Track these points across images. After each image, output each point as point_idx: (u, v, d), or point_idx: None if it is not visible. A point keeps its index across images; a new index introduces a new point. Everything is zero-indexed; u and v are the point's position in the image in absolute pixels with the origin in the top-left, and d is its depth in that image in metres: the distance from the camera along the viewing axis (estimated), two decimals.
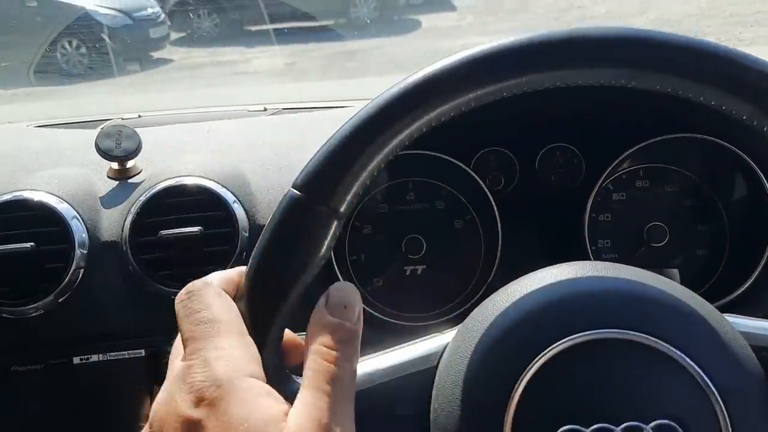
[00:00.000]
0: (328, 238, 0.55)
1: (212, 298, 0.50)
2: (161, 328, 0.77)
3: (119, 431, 0.77)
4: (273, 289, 0.54)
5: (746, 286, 0.79)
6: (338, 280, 0.81)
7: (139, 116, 1.28)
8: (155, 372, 0.76)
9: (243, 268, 0.57)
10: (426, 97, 0.54)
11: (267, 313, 0.54)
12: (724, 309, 0.79)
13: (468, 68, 0.54)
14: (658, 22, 4.98)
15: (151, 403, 0.75)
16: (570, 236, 0.86)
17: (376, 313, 0.80)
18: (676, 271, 0.87)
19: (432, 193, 0.88)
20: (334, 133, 0.55)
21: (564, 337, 0.52)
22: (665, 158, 0.87)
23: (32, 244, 0.74)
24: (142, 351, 0.76)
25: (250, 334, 0.56)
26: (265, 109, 1.27)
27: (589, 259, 0.82)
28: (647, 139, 0.83)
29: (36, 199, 0.77)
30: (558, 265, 0.58)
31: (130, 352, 0.76)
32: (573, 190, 0.87)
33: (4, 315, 0.75)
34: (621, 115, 0.86)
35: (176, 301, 0.50)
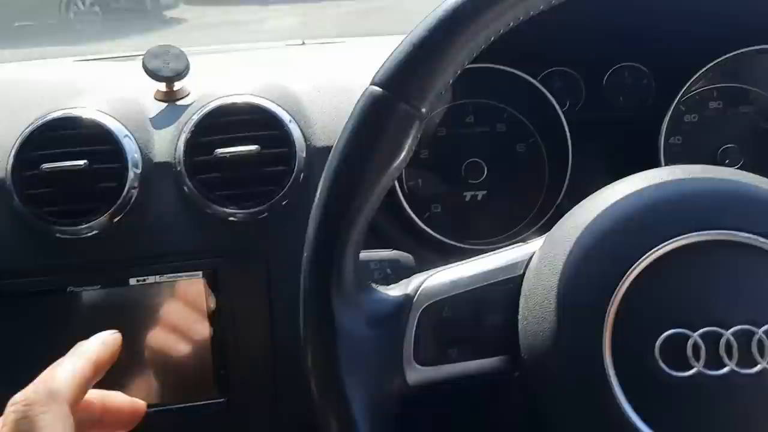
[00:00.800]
0: (410, 138, 0.52)
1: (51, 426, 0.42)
2: (218, 250, 0.75)
3: (176, 354, 0.75)
4: (355, 192, 0.51)
5: None
6: (400, 206, 0.78)
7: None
8: (212, 295, 0.74)
9: (94, 357, 0.52)
10: None
11: (350, 214, 0.51)
12: None
13: None
14: None
15: (209, 325, 0.74)
16: (640, 160, 0.82)
17: (439, 236, 0.78)
18: None
19: (493, 115, 0.85)
20: (417, 25, 0.52)
21: (668, 239, 0.48)
22: (740, 77, 0.83)
23: (86, 162, 0.72)
24: (200, 273, 0.74)
25: (326, 238, 0.53)
26: (304, 43, 1.23)
27: None
28: (719, 56, 0.78)
29: (87, 116, 0.74)
30: (649, 170, 0.54)
31: (187, 274, 0.74)
32: (643, 112, 0.83)
33: (58, 235, 0.72)
34: (691, 30, 0.82)
35: (8, 406, 0.44)
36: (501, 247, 0.77)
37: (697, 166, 0.53)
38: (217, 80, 0.87)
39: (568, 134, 0.79)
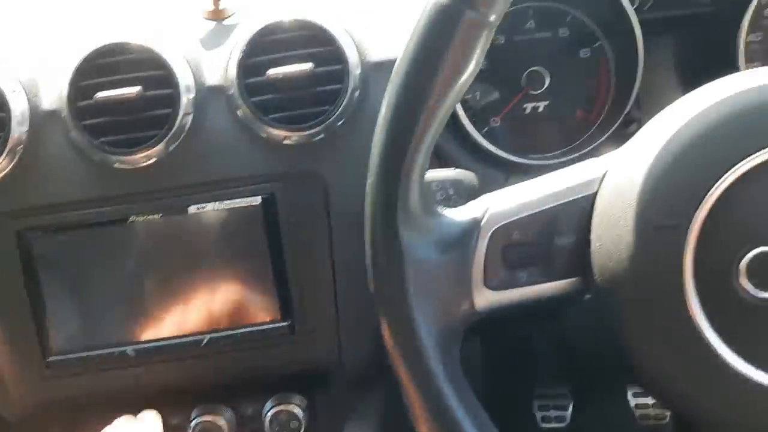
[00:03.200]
0: (478, 49, 0.49)
1: None
2: (276, 174, 0.74)
3: (237, 279, 0.76)
4: (421, 108, 0.49)
5: None
6: (458, 120, 0.75)
7: None
8: (271, 219, 0.74)
9: None
10: None
11: (416, 133, 0.49)
12: None
13: None
14: None
15: (269, 249, 0.74)
16: (716, 60, 0.77)
17: (499, 152, 0.75)
18: None
19: (555, 19, 0.79)
20: None
21: (756, 151, 0.45)
22: None
23: (139, 89, 0.70)
24: (258, 198, 0.73)
25: (392, 158, 0.51)
26: None
27: None
28: None
29: (136, 42, 0.73)
30: (738, 73, 0.50)
31: (245, 200, 0.73)
32: (719, 6, 0.77)
33: (116, 165, 0.72)
34: None
35: None
36: (566, 162, 0.75)
37: None
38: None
39: (638, 33, 0.73)
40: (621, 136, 0.74)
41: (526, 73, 0.79)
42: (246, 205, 0.74)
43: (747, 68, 0.76)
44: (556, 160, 0.75)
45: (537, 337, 0.91)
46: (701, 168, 0.46)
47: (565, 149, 0.78)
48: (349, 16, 0.77)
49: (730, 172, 0.45)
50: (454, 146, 0.76)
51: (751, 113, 0.46)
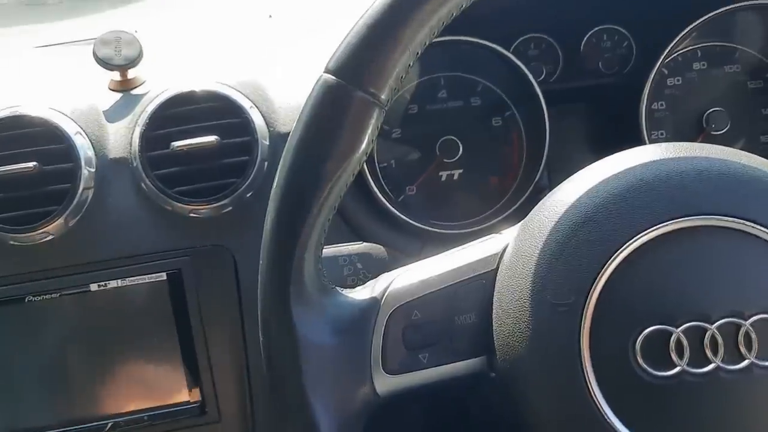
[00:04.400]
0: (370, 128, 0.48)
1: None
2: (182, 248, 0.71)
3: (144, 358, 0.72)
4: (312, 190, 0.47)
5: None
6: (371, 190, 0.74)
7: (136, 32, 1.19)
8: (178, 295, 0.71)
9: None
10: None
11: (307, 216, 0.48)
12: None
13: None
14: None
15: (177, 327, 0.71)
16: (621, 128, 0.78)
17: (413, 222, 0.74)
18: None
19: (466, 89, 0.80)
20: (369, 5, 0.48)
21: (645, 229, 0.45)
22: (724, 35, 0.78)
23: (35, 163, 0.68)
24: (164, 274, 0.70)
25: (283, 239, 0.49)
26: (271, 17, 1.17)
27: None
28: (703, 14, 0.74)
29: (35, 114, 0.70)
30: (630, 150, 0.51)
31: (150, 276, 0.70)
32: (623, 78, 0.79)
33: (11, 242, 0.69)
34: None
35: None
36: (480, 231, 0.75)
37: (677, 144, 0.49)
38: (174, 63, 0.82)
39: (544, 106, 0.75)
40: (534, 204, 0.74)
41: (440, 141, 0.79)
42: (151, 281, 0.71)
43: (651, 136, 0.78)
44: (469, 229, 0.75)
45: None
46: (593, 245, 0.46)
47: (479, 217, 0.78)
48: (259, 85, 0.76)
49: (620, 250, 0.45)
50: (368, 216, 0.75)
51: (639, 191, 0.46)
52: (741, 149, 0.77)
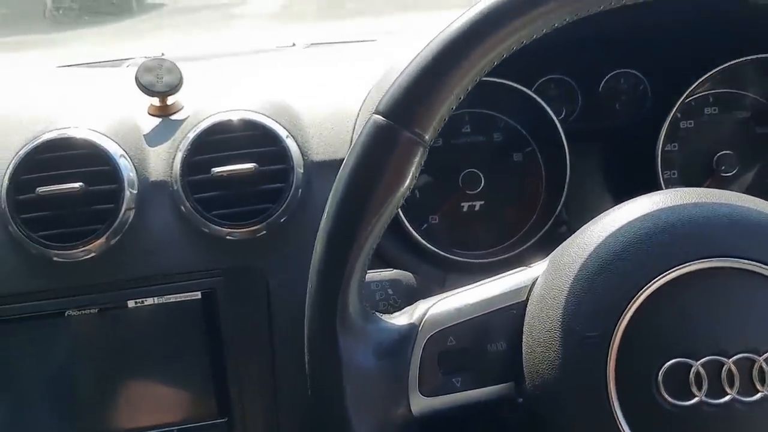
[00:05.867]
0: (414, 167, 0.52)
1: None
2: (217, 269, 0.75)
3: (176, 375, 0.75)
4: (360, 222, 0.51)
5: None
6: (398, 220, 0.78)
7: (163, 54, 1.23)
8: (212, 315, 0.74)
9: None
10: (524, 9, 0.50)
11: (354, 246, 0.51)
12: None
13: None
14: None
15: (209, 345, 0.74)
16: (637, 167, 0.82)
17: (437, 250, 0.77)
18: None
19: (489, 125, 0.84)
20: (418, 53, 0.51)
21: (670, 268, 0.49)
22: (736, 83, 0.82)
23: (81, 184, 0.71)
24: (198, 293, 0.74)
25: (331, 269, 0.53)
26: (294, 45, 1.22)
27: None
28: (718, 64, 0.78)
29: (81, 137, 0.73)
30: (651, 194, 0.54)
31: (185, 294, 0.73)
32: (639, 119, 0.83)
33: (55, 258, 0.72)
34: (687, 38, 0.82)
35: None
36: (500, 261, 0.79)
37: (698, 190, 0.53)
38: (210, 92, 0.86)
39: (565, 143, 0.79)
40: (552, 237, 0.78)
41: (462, 174, 0.83)
42: (186, 299, 0.74)
43: (664, 176, 0.82)
44: (491, 259, 0.79)
45: None
46: (618, 284, 0.49)
47: (499, 247, 0.81)
48: (293, 114, 0.80)
49: (644, 288, 0.48)
50: (394, 245, 0.78)
51: (663, 233, 0.49)
52: (749, 191, 0.83)
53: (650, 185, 0.79)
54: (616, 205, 0.54)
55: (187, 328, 0.74)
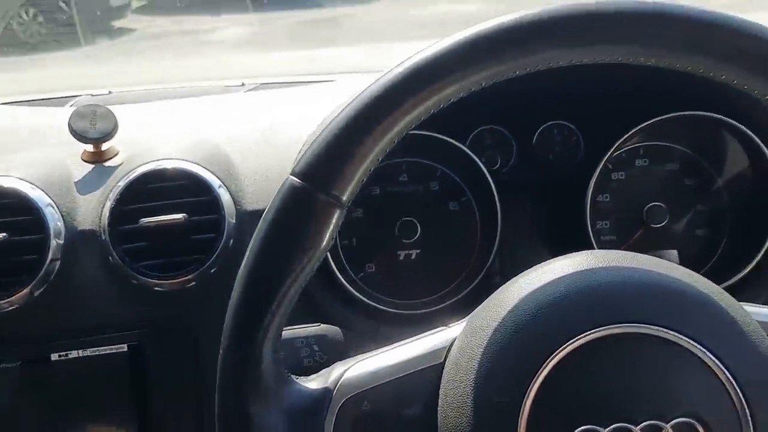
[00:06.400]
0: (331, 228, 0.52)
1: None
2: (144, 322, 0.73)
3: (98, 429, 0.73)
4: (274, 284, 0.51)
5: (748, 269, 0.77)
6: (330, 267, 0.77)
7: (110, 92, 1.22)
8: (138, 368, 0.73)
9: None
10: (442, 73, 0.50)
11: (267, 309, 0.51)
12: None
13: (490, 42, 0.50)
14: None
15: (134, 400, 0.72)
16: (569, 217, 0.83)
17: (370, 302, 0.77)
18: (675, 252, 0.85)
19: (426, 174, 0.85)
20: (335, 115, 0.52)
21: (579, 334, 0.49)
22: (665, 136, 0.84)
23: (4, 234, 0.70)
24: (125, 346, 0.72)
25: (243, 333, 0.52)
26: (243, 84, 1.22)
27: (590, 241, 0.80)
28: (648, 118, 0.80)
29: (6, 185, 0.72)
30: (567, 255, 0.55)
31: (111, 347, 0.72)
32: (571, 170, 0.84)
33: None
34: (619, 92, 0.83)
35: None
36: (434, 312, 0.79)
37: (613, 253, 0.54)
38: (146, 137, 0.85)
39: (495, 195, 0.79)
40: (486, 288, 0.78)
41: (399, 222, 0.83)
42: (111, 353, 0.72)
43: (596, 226, 0.83)
44: (425, 310, 0.79)
45: None
46: (532, 346, 0.49)
47: (433, 297, 0.81)
48: (229, 162, 0.79)
49: (556, 352, 0.48)
50: (326, 297, 0.78)
51: (574, 298, 0.50)
52: (678, 242, 0.84)
53: (582, 236, 0.80)
54: (551, 256, 0.54)
55: (112, 381, 0.73)
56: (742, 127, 0.76)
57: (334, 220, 0.51)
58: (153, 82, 1.33)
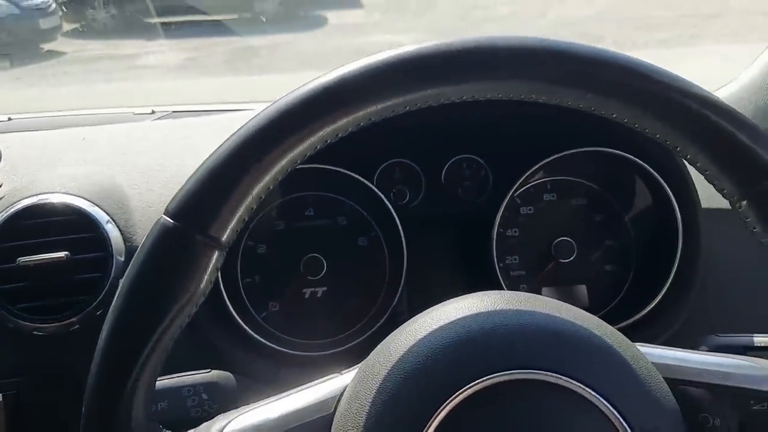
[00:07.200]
0: (208, 271, 0.48)
1: None
2: (21, 369, 0.68)
3: None
4: (144, 332, 0.47)
5: (652, 305, 0.77)
6: (226, 308, 0.73)
7: (9, 119, 1.15)
8: (14, 419, 0.67)
9: None
10: (326, 109, 0.47)
11: (137, 359, 0.46)
12: (631, 328, 0.77)
13: (378, 76, 0.48)
14: (558, 24, 5.11)
15: None
16: (478, 252, 0.82)
17: (270, 344, 0.73)
18: (583, 287, 0.84)
19: (333, 208, 0.82)
20: (213, 151, 0.49)
21: (471, 381, 0.47)
22: (572, 171, 0.84)
23: None
24: (0, 396, 0.66)
25: (107, 388, 0.48)
26: (153, 112, 1.17)
27: (497, 277, 0.79)
28: (554, 153, 0.79)
29: None
30: (461, 297, 0.53)
31: None
32: (480, 204, 0.83)
33: None
34: (527, 127, 0.83)
35: None
36: (338, 354, 0.75)
37: (507, 294, 0.52)
38: (35, 169, 0.80)
39: (401, 231, 0.77)
40: (393, 327, 0.75)
41: (305, 258, 0.80)
42: None
43: (505, 260, 0.82)
44: (329, 351, 0.75)
45: None
46: (422, 396, 0.47)
47: (339, 337, 0.78)
48: (121, 196, 0.75)
49: (447, 402, 0.46)
50: (220, 338, 0.73)
51: (464, 344, 0.47)
52: (587, 277, 0.84)
53: (491, 272, 0.79)
54: (461, 292, 0.52)
55: None
56: (643, 163, 0.77)
57: (212, 263, 0.48)
58: (71, 107, 1.27)
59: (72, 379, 0.68)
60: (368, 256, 0.82)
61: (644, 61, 0.49)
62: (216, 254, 0.48)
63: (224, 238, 0.48)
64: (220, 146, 0.48)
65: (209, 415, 0.56)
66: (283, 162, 0.48)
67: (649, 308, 0.77)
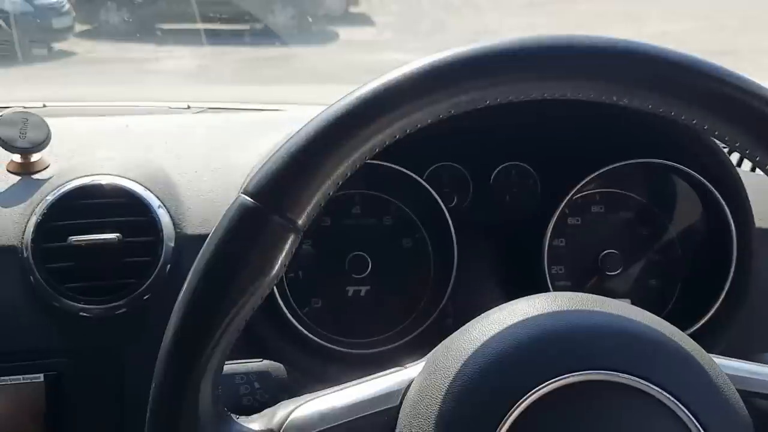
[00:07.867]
0: (283, 254, 0.47)
1: None
2: (65, 350, 0.66)
3: None
4: (218, 313, 0.46)
5: (702, 322, 0.76)
6: (274, 300, 0.72)
7: (44, 105, 1.14)
8: (55, 400, 0.65)
9: None
10: (414, 95, 0.47)
11: (209, 340, 0.46)
12: None
13: (456, 68, 0.48)
14: None
15: None
16: (524, 260, 0.81)
17: (315, 339, 0.72)
18: (628, 302, 0.84)
19: (380, 207, 0.81)
20: (294, 132, 0.48)
21: (546, 380, 0.46)
22: (621, 184, 0.84)
23: None
24: (41, 376, 0.65)
25: (179, 366, 0.47)
26: (189, 107, 1.17)
27: (547, 285, 0.78)
28: (605, 164, 0.79)
29: None
30: (531, 296, 0.52)
31: (26, 376, 0.65)
32: (528, 212, 0.83)
33: None
34: (577, 136, 0.83)
35: None
36: (383, 353, 0.74)
37: (578, 296, 0.51)
38: (81, 152, 0.79)
39: (453, 232, 0.77)
40: (438, 329, 0.74)
41: (350, 256, 0.79)
42: (26, 382, 0.65)
43: (551, 271, 0.81)
44: (373, 350, 0.74)
45: None
46: (497, 392, 0.46)
47: (382, 337, 0.77)
48: (170, 182, 0.74)
49: (524, 398, 0.45)
50: (269, 331, 0.72)
51: (542, 342, 0.47)
52: (631, 291, 0.83)
53: (538, 280, 0.78)
54: (505, 299, 0.51)
55: (25, 414, 0.65)
56: (701, 178, 0.76)
57: (287, 246, 0.47)
58: (94, 101, 1.27)
59: (116, 362, 0.67)
60: (413, 256, 0.81)
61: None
62: (292, 237, 0.47)
63: (301, 221, 0.47)
64: (303, 128, 0.48)
65: (260, 405, 0.55)
66: (365, 148, 0.47)
67: (697, 326, 0.76)
